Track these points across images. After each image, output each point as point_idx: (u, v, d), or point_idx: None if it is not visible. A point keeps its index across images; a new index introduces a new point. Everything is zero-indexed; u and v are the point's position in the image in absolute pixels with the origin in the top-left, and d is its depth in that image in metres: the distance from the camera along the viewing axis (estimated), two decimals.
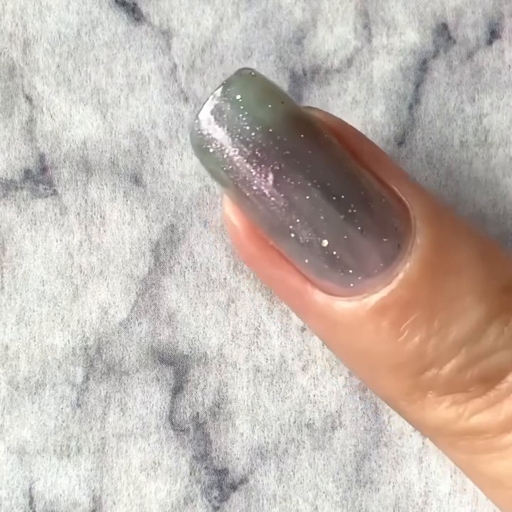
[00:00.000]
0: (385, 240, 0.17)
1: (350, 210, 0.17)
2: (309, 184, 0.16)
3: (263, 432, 0.20)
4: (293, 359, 0.21)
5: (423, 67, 0.21)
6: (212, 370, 0.21)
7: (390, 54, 0.21)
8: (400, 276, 0.17)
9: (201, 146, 0.17)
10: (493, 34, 0.21)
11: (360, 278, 0.17)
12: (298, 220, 0.17)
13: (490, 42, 0.21)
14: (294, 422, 0.21)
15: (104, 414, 0.20)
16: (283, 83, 0.21)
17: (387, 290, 0.17)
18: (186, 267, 0.21)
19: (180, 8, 0.21)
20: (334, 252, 0.17)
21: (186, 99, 0.21)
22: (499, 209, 0.21)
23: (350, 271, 0.17)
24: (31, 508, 0.20)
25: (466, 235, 0.18)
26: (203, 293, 0.21)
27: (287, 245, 0.17)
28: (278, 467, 0.20)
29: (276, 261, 0.18)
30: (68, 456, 0.20)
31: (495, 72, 0.21)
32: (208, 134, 0.17)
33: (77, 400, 0.20)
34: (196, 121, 0.17)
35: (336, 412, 0.21)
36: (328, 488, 0.20)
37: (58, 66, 0.21)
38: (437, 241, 0.17)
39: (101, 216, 0.21)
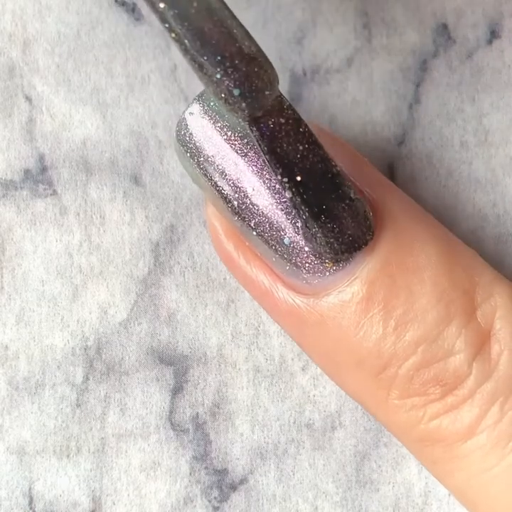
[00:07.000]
0: None
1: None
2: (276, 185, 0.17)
3: (263, 432, 0.20)
4: (293, 359, 0.21)
5: (423, 67, 0.21)
6: (212, 370, 0.21)
7: (390, 54, 0.21)
8: (358, 274, 0.17)
9: (181, 150, 0.18)
10: (493, 34, 0.21)
11: (321, 275, 0.17)
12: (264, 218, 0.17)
13: (490, 42, 0.21)
14: (294, 422, 0.21)
15: (104, 414, 0.20)
16: (283, 83, 0.21)
17: (345, 287, 0.17)
18: (186, 267, 0.21)
19: None
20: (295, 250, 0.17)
21: (186, 99, 0.21)
22: (499, 209, 0.21)
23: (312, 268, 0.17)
24: (31, 508, 0.20)
25: (429, 236, 0.18)
26: (202, 293, 0.21)
27: (257, 244, 0.18)
28: (278, 467, 0.20)
29: (250, 260, 0.18)
30: (68, 456, 0.20)
31: (495, 72, 0.21)
32: (186, 139, 0.18)
33: (77, 400, 0.20)
34: (176, 128, 0.18)
35: (336, 412, 0.21)
36: (328, 488, 0.20)
37: (58, 66, 0.21)
38: (398, 242, 0.18)
39: (101, 216, 0.21)
